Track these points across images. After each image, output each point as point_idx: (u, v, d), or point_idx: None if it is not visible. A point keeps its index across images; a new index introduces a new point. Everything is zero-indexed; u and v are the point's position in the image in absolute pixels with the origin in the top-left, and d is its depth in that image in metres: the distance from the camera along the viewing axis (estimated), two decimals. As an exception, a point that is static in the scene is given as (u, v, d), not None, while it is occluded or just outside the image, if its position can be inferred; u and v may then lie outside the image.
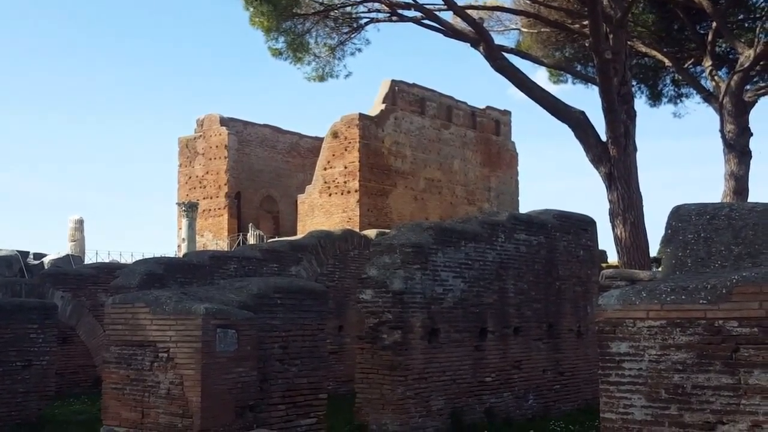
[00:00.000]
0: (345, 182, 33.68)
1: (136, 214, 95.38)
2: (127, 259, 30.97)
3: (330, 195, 34.14)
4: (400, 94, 35.72)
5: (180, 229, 35.30)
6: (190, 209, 34.23)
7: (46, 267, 24.18)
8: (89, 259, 30.42)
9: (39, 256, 27.37)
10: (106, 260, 29.71)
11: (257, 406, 7.04)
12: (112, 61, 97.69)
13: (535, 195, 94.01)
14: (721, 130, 23.17)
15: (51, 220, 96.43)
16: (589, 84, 25.95)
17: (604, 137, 20.59)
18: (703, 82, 25.17)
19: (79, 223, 32.53)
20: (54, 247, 32.68)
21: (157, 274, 12.06)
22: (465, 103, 39.39)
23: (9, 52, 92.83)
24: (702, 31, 24.08)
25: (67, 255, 28.13)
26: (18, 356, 10.19)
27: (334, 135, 34.34)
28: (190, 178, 39.71)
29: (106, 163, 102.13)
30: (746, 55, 21.93)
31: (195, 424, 6.56)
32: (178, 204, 36.57)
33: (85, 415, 11.00)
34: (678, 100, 27.73)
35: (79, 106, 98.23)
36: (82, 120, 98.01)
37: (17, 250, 26.53)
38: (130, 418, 6.95)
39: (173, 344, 6.77)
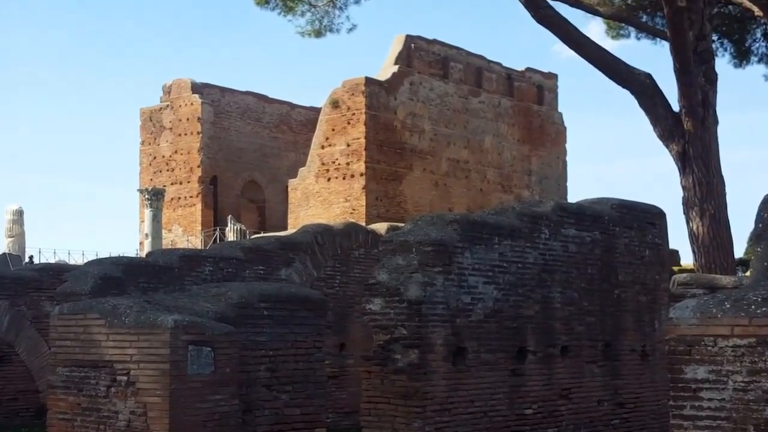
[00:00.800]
0: (348, 164, 33.72)
1: (88, 204, 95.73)
2: (77, 259, 31.20)
3: (329, 180, 34.20)
4: (417, 53, 35.67)
5: (142, 222, 35.51)
6: (154, 197, 34.43)
7: (-25, 269, 24.39)
8: (30, 256, 30.64)
9: (-33, 255, 27.61)
10: (52, 260, 29.90)
11: (239, 443, 7.07)
12: (59, 7, 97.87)
13: (587, 180, 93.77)
14: None
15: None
16: (658, 39, 25.83)
17: (676, 107, 20.47)
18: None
19: (18, 215, 32.80)
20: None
21: (114, 277, 12.10)
22: (499, 63, 39.33)
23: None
24: None
25: (4, 254, 28.41)
26: (-59, 380, 10.25)
27: (334, 105, 34.35)
28: (154, 158, 39.92)
29: (50, 139, 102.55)
30: None
31: (161, 465, 6.60)
32: (140, 191, 36.79)
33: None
34: None
35: (18, 63, 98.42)
36: (20, 86, 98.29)
37: (-61, 248, 26.77)
38: (81, 457, 7.00)
39: (134, 365, 6.80)
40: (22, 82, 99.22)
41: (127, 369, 6.83)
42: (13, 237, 31.86)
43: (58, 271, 15.06)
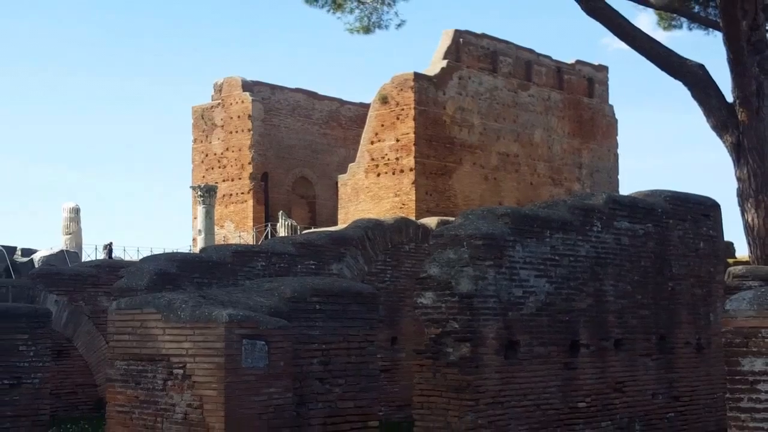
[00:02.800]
0: (397, 159, 33.70)
1: (143, 201, 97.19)
2: (133, 255, 31.65)
3: (378, 175, 34.22)
4: (465, 48, 35.54)
5: (195, 218, 35.94)
6: (207, 194, 34.81)
7: (36, 265, 24.89)
8: (88, 255, 31.22)
9: (28, 252, 28.21)
10: (110, 258, 30.36)
11: (293, 435, 7.12)
12: (109, 8, 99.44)
13: (639, 173, 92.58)
14: None
15: (41, 209, 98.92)
16: (711, 30, 25.45)
17: (730, 98, 20.19)
18: None
19: (75, 212, 33.37)
20: (46, 242, 33.52)
21: (169, 273, 12.25)
22: (548, 57, 39.03)
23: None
24: None
25: (62, 251, 28.90)
26: (5, 373, 10.39)
27: (384, 100, 34.34)
28: (206, 156, 40.33)
29: (106, 140, 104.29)
30: None
31: (217, 457, 6.68)
32: (193, 188, 37.19)
33: (85, 445, 11.25)
34: None
35: (72, 65, 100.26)
36: (76, 87, 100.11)
37: (2, 246, 27.35)
38: (140, 450, 7.10)
39: (190, 358, 6.88)
40: (78, 85, 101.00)
41: (183, 362, 6.91)
42: (70, 234, 32.42)
43: (115, 268, 15.29)
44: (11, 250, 27.61)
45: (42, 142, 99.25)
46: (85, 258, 29.25)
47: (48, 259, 26.35)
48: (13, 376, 10.48)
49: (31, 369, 10.68)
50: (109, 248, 32.85)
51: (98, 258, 29.98)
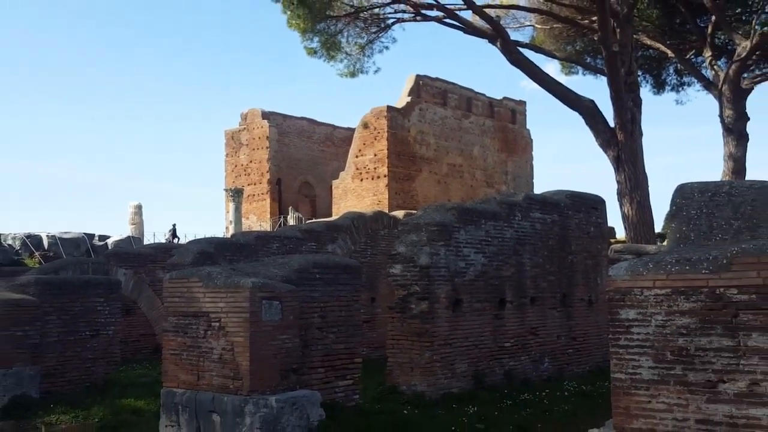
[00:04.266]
0: (375, 168, 33.67)
1: (188, 200, 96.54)
2: (181, 239, 31.37)
3: (361, 180, 34.17)
4: (424, 88, 35.51)
5: (227, 212, 35.65)
6: (236, 195, 34.56)
7: (110, 247, 24.69)
8: (147, 240, 30.89)
9: (103, 237, 27.87)
10: (163, 241, 30.15)
11: (299, 369, 7.11)
12: (165, 60, 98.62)
13: (548, 177, 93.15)
14: (720, 116, 23.04)
15: (113, 206, 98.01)
16: (598, 75, 25.71)
17: (612, 123, 20.36)
18: (703, 71, 24.95)
19: (138, 209, 32.98)
20: (116, 230, 33.23)
21: (208, 252, 12.22)
22: (483, 94, 39.05)
23: (70, 53, 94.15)
24: (702, 25, 23.93)
25: (128, 236, 28.61)
26: (87, 326, 10.38)
27: (365, 126, 34.29)
28: (236, 166, 40.01)
29: (161, 153, 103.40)
30: (743, 46, 21.79)
31: (244, 386, 6.65)
32: (226, 190, 36.91)
33: (147, 378, 11.17)
34: (680, 89, 27.65)
35: (137, 103, 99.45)
36: (139, 116, 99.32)
37: (84, 233, 27.06)
38: (187, 381, 7.06)
39: (224, 314, 6.85)
40: (144, 117, 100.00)
41: (219, 317, 6.88)
42: (134, 225, 32.08)
43: (168, 249, 15.20)
44: (91, 236, 27.34)
45: (117, 154, 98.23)
46: (145, 242, 28.94)
47: (118, 243, 26.11)
48: (93, 329, 10.49)
49: (107, 323, 10.69)
50: (173, 229, 32.77)
51: (157, 241, 29.69)
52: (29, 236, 25.71)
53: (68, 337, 10.10)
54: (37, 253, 24.41)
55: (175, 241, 30.12)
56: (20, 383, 9.46)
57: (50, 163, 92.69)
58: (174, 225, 33.10)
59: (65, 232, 26.84)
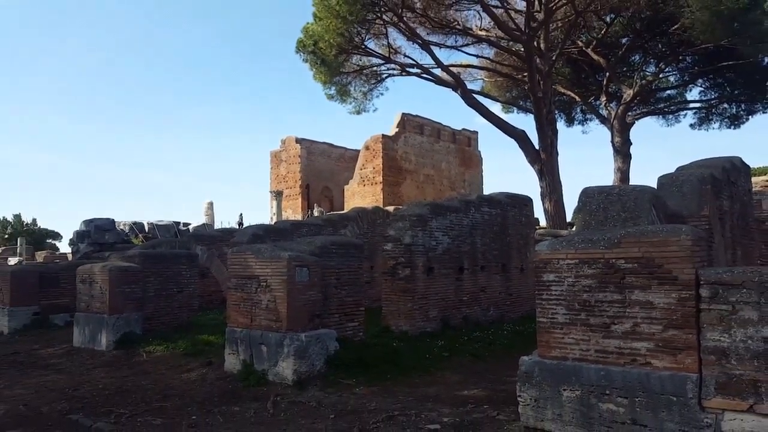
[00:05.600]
0: (374, 177, 33.55)
1: (244, 199, 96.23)
2: (244, 225, 31.19)
3: (364, 185, 34.04)
4: (407, 121, 35.34)
5: (272, 207, 35.46)
6: (278, 195, 34.36)
7: (191, 231, 24.52)
8: (216, 226, 30.74)
9: (186, 224, 27.72)
10: (227, 227, 30.00)
11: (321, 314, 7.08)
12: (233, 99, 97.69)
13: (493, 184, 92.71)
14: (612, 141, 23.19)
15: (193, 202, 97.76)
16: (528, 113, 25.68)
17: (537, 146, 20.35)
18: (600, 110, 25.04)
19: (210, 205, 32.81)
20: (195, 220, 33.04)
21: (259, 234, 12.09)
22: (449, 126, 38.88)
23: (169, 96, 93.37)
24: (599, 79, 24.04)
25: (203, 224, 28.45)
26: (175, 285, 10.32)
27: (367, 148, 34.13)
28: (277, 176, 39.78)
29: (228, 164, 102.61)
30: (628, 93, 22.02)
31: (283, 326, 6.62)
32: (270, 192, 36.72)
33: (217, 321, 11.13)
34: (584, 122, 27.77)
35: (211, 129, 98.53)
36: (214, 138, 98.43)
37: (173, 221, 26.89)
38: (244, 322, 7.03)
39: (269, 277, 6.81)
40: (218, 142, 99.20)
41: (266, 279, 6.84)
42: (207, 216, 31.95)
43: (231, 232, 15.09)
44: (178, 223, 27.19)
45: (195, 164, 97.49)
46: (215, 227, 28.82)
47: (196, 228, 25.97)
48: (179, 287, 10.42)
49: (188, 283, 10.62)
50: (241, 217, 32.75)
51: (224, 227, 29.58)
52: (135, 223, 25.55)
53: (162, 292, 10.05)
54: (140, 235, 24.27)
55: (242, 226, 30.04)
56: (129, 324, 9.40)
57: (151, 171, 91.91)
58: (241, 214, 33.14)
59: (160, 220, 26.69)
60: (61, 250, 33.53)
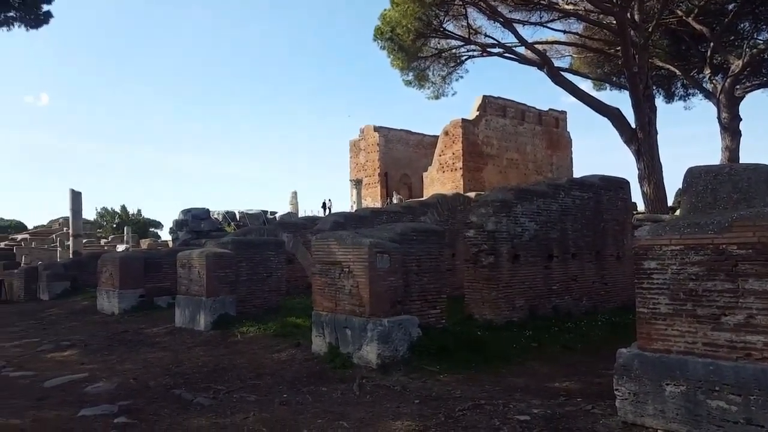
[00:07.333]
0: (453, 163, 33.16)
1: (326, 188, 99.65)
2: (323, 214, 32.39)
3: (444, 172, 33.76)
4: (488, 104, 34.43)
5: (352, 195, 36.39)
6: (358, 184, 35.16)
7: (277, 219, 25.92)
8: (301, 214, 32.17)
9: (273, 213, 29.36)
10: (311, 215, 31.27)
11: (403, 301, 7.17)
12: (316, 94, 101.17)
13: (585, 167, 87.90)
14: (718, 117, 21.21)
15: (279, 193, 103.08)
16: (622, 90, 23.99)
17: (633, 125, 18.98)
18: (704, 84, 22.87)
19: (294, 195, 34.38)
20: (281, 208, 34.87)
21: (340, 222, 12.53)
22: (534, 107, 37.35)
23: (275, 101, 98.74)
24: (702, 49, 22.01)
25: (289, 212, 29.94)
26: (264, 270, 10.89)
27: (446, 133, 33.77)
28: (357, 164, 40.68)
29: (311, 156, 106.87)
30: (736, 64, 19.96)
31: (366, 311, 6.82)
32: (351, 180, 37.64)
33: (303, 305, 11.48)
34: (686, 98, 25.56)
35: (295, 124, 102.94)
36: (297, 131, 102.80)
37: (262, 210, 28.57)
38: (329, 306, 7.30)
39: (352, 263, 7.00)
40: (303, 132, 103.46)
41: (349, 265, 7.04)
42: (292, 204, 33.52)
43: (314, 220, 15.63)
44: (266, 212, 28.81)
45: (282, 156, 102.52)
46: (300, 215, 30.16)
47: (282, 216, 27.33)
48: (268, 272, 10.98)
49: (277, 268, 11.16)
50: (323, 203, 34.16)
51: (308, 215, 30.84)
52: (227, 212, 27.52)
53: (253, 277, 10.60)
54: (232, 223, 26.09)
55: (327, 212, 31.25)
56: (224, 306, 10.15)
57: (247, 165, 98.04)
58: (324, 201, 34.27)
59: (249, 209, 28.49)
60: (163, 238, 37.01)
